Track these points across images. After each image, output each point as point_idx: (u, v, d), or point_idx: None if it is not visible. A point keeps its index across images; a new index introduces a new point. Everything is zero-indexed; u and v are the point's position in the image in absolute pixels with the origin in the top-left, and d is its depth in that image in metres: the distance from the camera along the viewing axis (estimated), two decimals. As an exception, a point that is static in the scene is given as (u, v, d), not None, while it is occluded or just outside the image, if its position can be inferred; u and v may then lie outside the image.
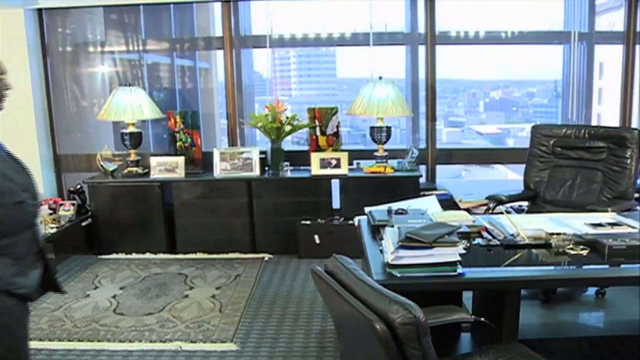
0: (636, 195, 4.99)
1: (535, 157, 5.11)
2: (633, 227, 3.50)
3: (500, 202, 4.79)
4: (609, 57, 6.79)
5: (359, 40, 6.55)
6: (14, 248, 2.39)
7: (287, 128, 6.03)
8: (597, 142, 4.87)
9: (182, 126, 6.28)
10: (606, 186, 4.74)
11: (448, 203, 5.76)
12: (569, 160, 4.99)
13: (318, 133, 6.22)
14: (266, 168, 6.23)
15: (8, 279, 2.36)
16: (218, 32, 6.60)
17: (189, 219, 6.07)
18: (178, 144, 6.32)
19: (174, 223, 6.09)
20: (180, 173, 6.13)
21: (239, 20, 6.47)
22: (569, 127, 5.12)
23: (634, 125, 6.61)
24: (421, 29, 6.42)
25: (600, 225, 3.56)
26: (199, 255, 6.05)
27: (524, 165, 5.21)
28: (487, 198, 5.02)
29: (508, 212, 4.28)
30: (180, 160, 6.16)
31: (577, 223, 3.59)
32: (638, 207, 4.55)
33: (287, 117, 6.06)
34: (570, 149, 4.99)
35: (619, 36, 6.42)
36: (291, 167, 6.13)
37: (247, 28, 6.55)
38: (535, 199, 5.05)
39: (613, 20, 6.76)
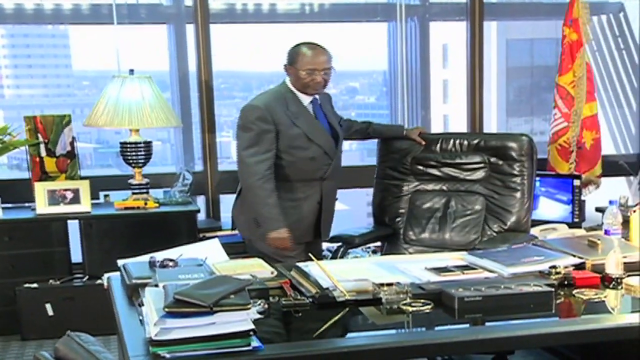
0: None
1: (388, 178, 5.15)
2: (490, 270, 3.61)
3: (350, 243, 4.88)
4: (455, 37, 7.11)
5: (100, 15, 6.50)
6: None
7: (-5, 147, 5.84)
8: (472, 155, 4.96)
9: None
10: (492, 215, 4.83)
11: (239, 248, 5.78)
12: (437, 183, 5.05)
13: (43, 153, 6.05)
14: (-37, 207, 5.98)
15: None
16: None
17: None
18: None
19: None
20: None
21: None
22: (434, 136, 5.18)
23: (489, 131, 6.97)
24: (188, 0, 6.45)
25: (445, 270, 3.64)
26: None
27: (363, 191, 5.26)
28: None
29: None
30: None
31: (414, 269, 3.67)
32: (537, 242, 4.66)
33: (-6, 131, 5.86)
34: (435, 167, 5.04)
35: (460, 9, 6.76)
36: (4, 205, 5.97)
37: None
38: (393, 239, 5.08)
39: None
